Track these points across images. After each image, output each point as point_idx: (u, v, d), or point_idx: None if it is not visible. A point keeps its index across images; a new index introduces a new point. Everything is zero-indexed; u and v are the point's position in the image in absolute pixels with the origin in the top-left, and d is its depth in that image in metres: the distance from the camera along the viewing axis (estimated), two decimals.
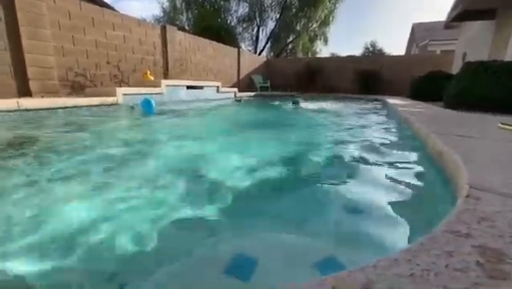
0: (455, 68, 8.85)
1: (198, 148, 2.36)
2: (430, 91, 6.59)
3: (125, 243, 0.88)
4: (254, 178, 1.53)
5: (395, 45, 63.43)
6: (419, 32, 18.49)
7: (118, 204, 1.17)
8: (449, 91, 4.78)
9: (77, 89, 5.44)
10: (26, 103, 3.79)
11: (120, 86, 6.13)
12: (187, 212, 1.11)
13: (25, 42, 4.46)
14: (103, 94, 4.98)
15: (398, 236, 0.97)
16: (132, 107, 4.71)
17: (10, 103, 3.63)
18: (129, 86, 6.36)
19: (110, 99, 4.88)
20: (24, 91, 4.55)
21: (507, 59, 4.85)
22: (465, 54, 8.94)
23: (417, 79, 7.45)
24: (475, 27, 8.04)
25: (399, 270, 0.45)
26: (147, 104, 4.19)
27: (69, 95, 5.24)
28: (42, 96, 4.64)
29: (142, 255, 0.84)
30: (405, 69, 11.34)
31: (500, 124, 2.26)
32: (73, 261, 0.80)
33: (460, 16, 7.28)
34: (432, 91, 6.37)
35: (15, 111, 3.62)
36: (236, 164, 1.79)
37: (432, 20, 15.31)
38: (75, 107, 4.34)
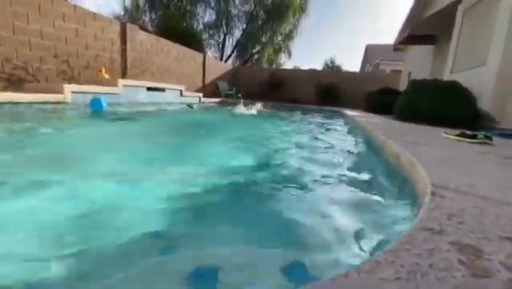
0: (402, 86, 9.84)
1: None
2: (382, 104, 7.18)
3: None
4: None
5: (350, 63, 68.75)
6: (371, 52, 20.35)
7: None
8: (398, 105, 5.24)
9: (15, 83, 4.74)
10: None
11: (70, 83, 5.52)
12: None
13: None
14: (48, 90, 4.41)
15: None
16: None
17: None
18: (80, 83, 5.77)
19: (56, 97, 4.34)
20: None
21: (445, 78, 5.51)
22: (410, 74, 10.01)
23: (371, 94, 8.10)
24: (419, 50, 9.08)
25: (384, 275, 0.40)
26: (96, 103, 4.16)
27: (5, 89, 4.54)
28: None
29: None
30: (360, 84, 12.30)
31: (444, 134, 2.50)
32: None
33: (406, 40, 8.15)
34: (384, 105, 6.94)
35: None
36: None
37: (383, 43, 17.03)
38: (11, 103, 3.75)
